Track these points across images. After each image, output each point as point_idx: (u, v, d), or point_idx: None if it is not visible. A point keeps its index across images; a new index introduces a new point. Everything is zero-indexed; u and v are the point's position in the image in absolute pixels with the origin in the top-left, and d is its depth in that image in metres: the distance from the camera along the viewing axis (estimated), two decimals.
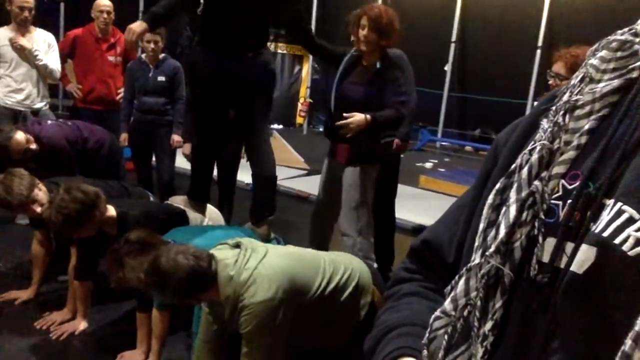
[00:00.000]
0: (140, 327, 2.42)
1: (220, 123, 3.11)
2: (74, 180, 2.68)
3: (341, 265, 2.03)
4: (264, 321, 1.77)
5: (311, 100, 9.71)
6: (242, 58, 2.89)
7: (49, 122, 3.33)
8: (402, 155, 3.61)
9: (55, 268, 3.12)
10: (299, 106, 10.10)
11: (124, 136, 4.11)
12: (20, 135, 3.12)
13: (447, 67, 9.31)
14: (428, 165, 7.65)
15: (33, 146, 3.16)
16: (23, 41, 3.98)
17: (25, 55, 4.05)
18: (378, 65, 2.86)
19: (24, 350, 2.47)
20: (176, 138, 4.10)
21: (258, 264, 1.84)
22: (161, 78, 3.95)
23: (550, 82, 2.50)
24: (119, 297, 2.94)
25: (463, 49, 9.28)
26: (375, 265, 3.01)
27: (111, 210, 2.47)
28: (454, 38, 9.12)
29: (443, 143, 9.51)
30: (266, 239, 2.90)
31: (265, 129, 3.28)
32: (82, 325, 2.68)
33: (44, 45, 4.15)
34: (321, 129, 3.28)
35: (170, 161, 4.20)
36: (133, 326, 2.46)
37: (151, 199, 3.22)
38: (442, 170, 7.23)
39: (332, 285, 1.95)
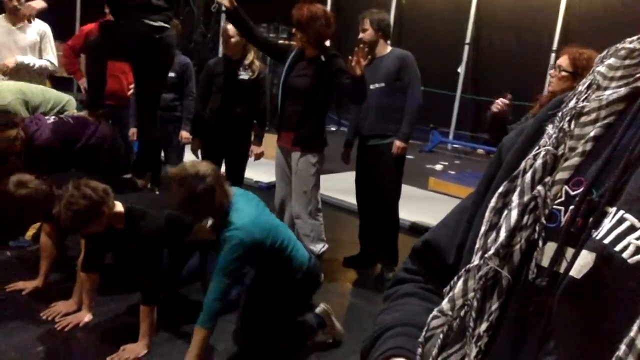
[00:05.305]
0: (143, 319, 2.45)
1: None
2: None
3: None
4: None
5: None
6: None
7: (50, 120, 3.25)
8: (411, 157, 3.60)
9: (63, 260, 3.16)
10: None
11: (132, 131, 4.12)
12: (13, 132, 2.99)
13: (461, 69, 9.27)
14: (438, 167, 7.62)
15: (17, 146, 2.99)
16: (9, 62, 3.87)
17: (20, 70, 3.93)
18: (323, 59, 3.14)
19: (29, 340, 2.49)
20: (184, 134, 4.11)
21: None
22: (171, 74, 3.87)
23: (550, 71, 2.55)
24: (124, 290, 2.96)
25: (477, 51, 9.24)
26: (326, 246, 3.36)
27: (119, 206, 2.49)
28: (468, 40, 9.09)
29: (454, 145, 9.48)
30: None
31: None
32: (86, 317, 2.69)
33: (37, 36, 4.07)
34: (332, 128, 3.37)
35: (178, 157, 4.21)
36: (136, 319, 2.48)
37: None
38: (452, 172, 7.20)
39: None
